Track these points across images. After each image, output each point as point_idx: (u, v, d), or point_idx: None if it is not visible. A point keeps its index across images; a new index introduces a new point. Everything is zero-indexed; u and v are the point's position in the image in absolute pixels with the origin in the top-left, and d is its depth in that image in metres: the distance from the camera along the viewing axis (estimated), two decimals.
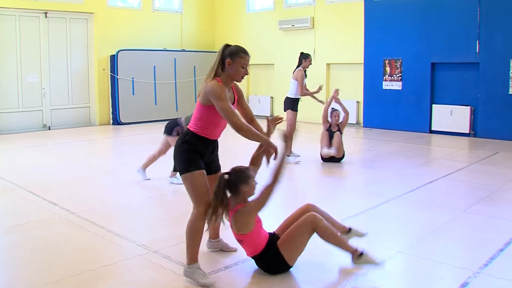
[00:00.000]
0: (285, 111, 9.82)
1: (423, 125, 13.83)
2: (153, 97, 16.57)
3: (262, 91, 18.12)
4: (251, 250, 4.42)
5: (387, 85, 14.42)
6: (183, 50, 17.55)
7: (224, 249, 5.03)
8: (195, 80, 17.47)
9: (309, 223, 4.40)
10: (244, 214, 4.27)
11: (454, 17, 13.12)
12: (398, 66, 14.25)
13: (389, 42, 14.36)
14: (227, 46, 4.34)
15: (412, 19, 13.92)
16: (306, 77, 9.80)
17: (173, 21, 17.74)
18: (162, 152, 8.10)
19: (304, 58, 9.80)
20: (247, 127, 4.16)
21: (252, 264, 4.60)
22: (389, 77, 14.40)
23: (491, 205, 6.69)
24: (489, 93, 12.68)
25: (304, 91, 9.74)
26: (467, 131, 13.07)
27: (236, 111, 4.29)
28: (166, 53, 16.97)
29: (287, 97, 9.86)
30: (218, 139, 4.57)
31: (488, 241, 5.25)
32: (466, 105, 13.07)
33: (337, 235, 4.47)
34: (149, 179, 8.16)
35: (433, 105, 13.62)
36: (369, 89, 14.92)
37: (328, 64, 16.03)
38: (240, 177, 4.30)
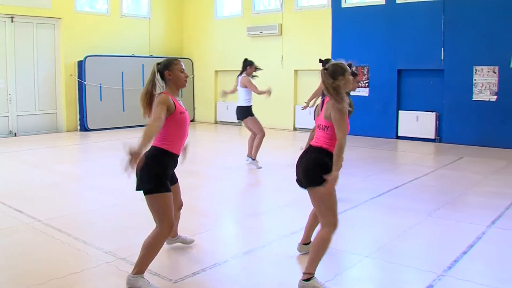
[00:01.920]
0: (242, 119, 9.85)
1: (390, 131, 14.01)
2: (121, 103, 16.44)
3: (230, 97, 17.96)
4: (323, 142, 4.27)
5: (353, 91, 14.55)
6: (151, 56, 17.44)
7: (183, 243, 5.25)
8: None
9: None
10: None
11: (420, 24, 13.36)
12: (365, 72, 14.42)
13: (356, 49, 14.51)
14: (157, 63, 4.46)
15: (379, 26, 14.12)
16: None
17: (141, 27, 17.63)
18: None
19: (249, 65, 9.85)
20: (148, 129, 3.99)
21: (221, 270, 4.61)
22: (356, 84, 14.53)
23: (455, 209, 6.81)
24: (453, 99, 12.93)
25: (260, 90, 9.71)
26: (432, 137, 13.29)
27: (161, 122, 4.15)
28: (134, 59, 16.85)
29: (240, 106, 9.81)
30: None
31: (452, 244, 5.35)
32: (432, 111, 13.30)
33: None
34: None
35: (400, 111, 13.82)
36: None
37: (295, 71, 16.12)
38: (335, 70, 4.15)
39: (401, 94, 13.90)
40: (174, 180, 4.73)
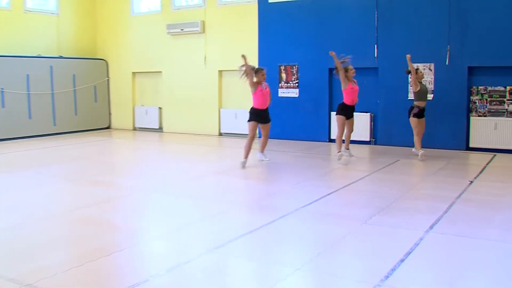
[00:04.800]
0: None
1: (322, 134, 14.08)
2: (26, 109, 15.74)
3: (149, 101, 17.77)
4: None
5: (283, 92, 14.58)
6: (61, 57, 16.86)
7: None
8: (75, 90, 16.87)
9: None
10: None
11: (352, 20, 13.52)
12: (294, 72, 14.45)
13: (284, 47, 14.55)
14: None
15: (308, 22, 14.18)
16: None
17: (48, 24, 16.98)
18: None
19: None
20: None
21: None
22: (285, 84, 14.57)
23: (392, 214, 6.82)
24: (388, 99, 13.14)
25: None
26: (367, 139, 13.45)
27: None
28: (41, 60, 16.22)
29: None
30: None
31: (389, 252, 5.31)
32: (366, 112, 13.46)
33: None
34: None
35: (332, 113, 13.87)
36: None
37: (220, 71, 15.99)
38: None
39: (333, 95, 13.98)
40: None
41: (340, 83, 10.94)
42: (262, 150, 10.89)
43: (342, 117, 10.88)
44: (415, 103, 11.16)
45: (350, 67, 10.87)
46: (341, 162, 10.74)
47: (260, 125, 10.56)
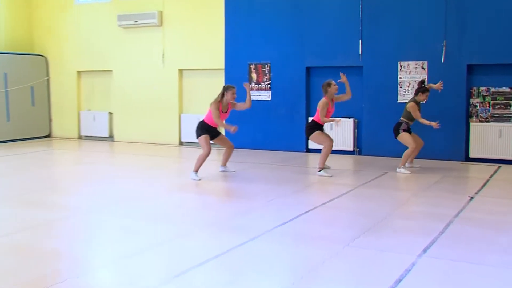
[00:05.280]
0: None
1: (299, 144, 14.13)
2: None
3: (98, 105, 17.65)
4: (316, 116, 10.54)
5: (253, 95, 14.58)
6: None
7: None
8: (7, 91, 16.67)
9: None
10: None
11: (333, 11, 13.64)
12: (266, 72, 14.49)
13: (255, 43, 14.59)
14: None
15: (282, 14, 14.26)
16: None
17: None
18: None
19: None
20: None
21: None
22: (256, 86, 14.59)
23: (379, 236, 6.83)
24: (375, 102, 13.25)
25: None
26: (351, 148, 13.53)
27: None
28: None
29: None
30: None
31: (375, 279, 5.32)
32: (349, 117, 13.55)
33: None
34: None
35: (310, 118, 13.88)
36: None
37: (180, 70, 16.00)
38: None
39: (311, 97, 14.06)
40: None
41: (323, 92, 10.97)
42: (225, 164, 11.19)
43: (321, 133, 11.17)
44: (405, 119, 11.26)
45: (333, 82, 11.00)
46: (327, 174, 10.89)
47: (215, 140, 10.92)
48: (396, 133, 11.34)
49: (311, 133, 11.08)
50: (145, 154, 14.47)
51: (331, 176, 10.76)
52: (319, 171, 10.86)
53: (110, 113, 17.27)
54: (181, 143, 15.99)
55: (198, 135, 10.73)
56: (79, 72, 17.68)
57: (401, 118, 11.31)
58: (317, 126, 11.04)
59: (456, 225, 7.31)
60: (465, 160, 12.50)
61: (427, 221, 7.56)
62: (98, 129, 17.38)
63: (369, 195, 9.29)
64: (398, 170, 11.15)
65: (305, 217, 7.80)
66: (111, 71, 17.08)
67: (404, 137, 11.23)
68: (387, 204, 8.51)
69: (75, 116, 17.84)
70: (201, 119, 10.91)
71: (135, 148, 15.49)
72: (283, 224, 7.39)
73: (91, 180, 11.34)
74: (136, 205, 8.82)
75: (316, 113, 10.98)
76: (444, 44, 12.46)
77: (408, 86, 12.76)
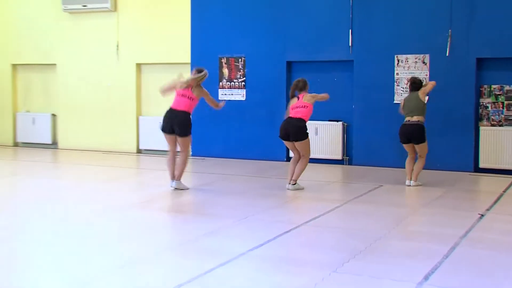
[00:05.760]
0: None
1: (279, 151, 14.11)
2: None
3: (38, 105, 17.51)
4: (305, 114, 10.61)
5: (224, 93, 14.58)
6: None
7: None
8: None
9: None
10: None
11: None
12: (240, 67, 14.46)
13: (227, 33, 14.59)
14: None
15: (259, 1, 14.23)
16: None
17: None
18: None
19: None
20: None
21: None
22: (228, 83, 14.56)
23: (372, 260, 6.80)
24: (367, 103, 13.30)
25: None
26: (339, 157, 13.52)
27: None
28: None
29: None
30: None
31: None
32: (337, 121, 13.55)
33: None
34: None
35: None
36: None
37: (138, 65, 15.97)
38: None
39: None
40: None
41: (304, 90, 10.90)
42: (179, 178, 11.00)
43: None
44: (423, 116, 11.07)
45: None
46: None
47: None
48: (422, 139, 10.95)
49: (305, 138, 10.69)
50: (96, 164, 14.39)
51: (303, 189, 10.83)
52: (294, 184, 10.80)
53: (54, 115, 17.19)
54: (139, 151, 15.93)
55: (188, 133, 10.75)
56: (14, 66, 17.57)
57: (417, 117, 10.93)
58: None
59: (463, 247, 7.30)
60: (474, 171, 12.57)
61: (429, 242, 7.55)
62: (39, 135, 17.27)
63: (361, 212, 9.30)
64: (411, 183, 11.07)
65: (285, 238, 7.77)
66: (54, 64, 17.01)
67: (426, 146, 11.05)
68: (382, 223, 8.49)
69: (10, 118, 17.71)
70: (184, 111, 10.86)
71: (84, 158, 15.40)
72: (259, 247, 7.34)
73: (29, 196, 11.18)
74: (84, 225, 8.74)
75: (305, 111, 10.70)
76: (449, 34, 12.51)
77: (407, 84, 12.74)
